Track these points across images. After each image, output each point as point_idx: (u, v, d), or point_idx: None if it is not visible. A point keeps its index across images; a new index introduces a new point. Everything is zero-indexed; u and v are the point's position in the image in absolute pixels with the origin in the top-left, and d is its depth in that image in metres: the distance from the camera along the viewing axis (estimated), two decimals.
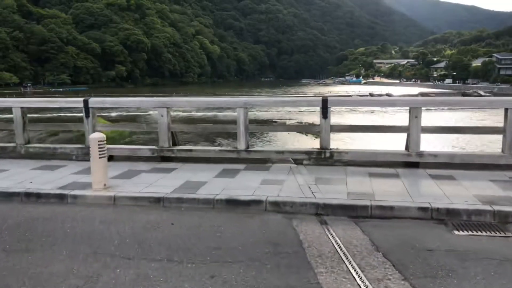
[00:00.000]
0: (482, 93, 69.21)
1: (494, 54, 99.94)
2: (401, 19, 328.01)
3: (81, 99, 7.63)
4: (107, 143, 5.98)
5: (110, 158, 7.63)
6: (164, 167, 7.15)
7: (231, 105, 7.59)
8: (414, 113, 6.64)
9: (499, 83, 77.49)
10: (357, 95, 70.24)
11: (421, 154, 6.70)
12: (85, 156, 7.60)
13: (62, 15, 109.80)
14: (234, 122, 7.31)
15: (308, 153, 7.05)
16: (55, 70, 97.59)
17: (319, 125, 7.00)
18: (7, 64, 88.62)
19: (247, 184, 5.93)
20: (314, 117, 31.94)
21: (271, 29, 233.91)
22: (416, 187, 5.73)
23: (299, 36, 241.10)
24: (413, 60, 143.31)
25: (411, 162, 6.79)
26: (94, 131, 7.66)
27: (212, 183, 6.05)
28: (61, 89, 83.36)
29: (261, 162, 7.38)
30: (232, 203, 5.28)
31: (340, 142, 11.80)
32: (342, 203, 5.06)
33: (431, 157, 6.69)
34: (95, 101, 7.67)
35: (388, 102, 6.96)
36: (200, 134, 15.58)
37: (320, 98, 6.83)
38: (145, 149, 7.64)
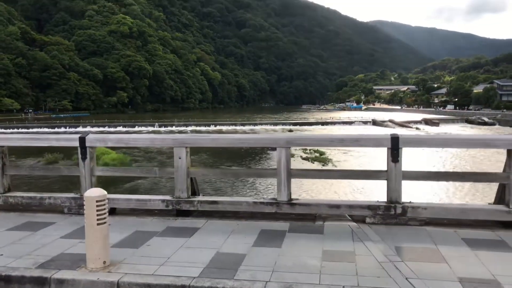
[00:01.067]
0: (486, 119, 68.24)
1: (495, 81, 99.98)
2: (399, 46, 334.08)
3: (77, 136, 6.02)
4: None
5: (112, 211, 5.95)
6: (182, 227, 5.45)
7: (269, 144, 5.98)
8: None
9: (504, 110, 76.70)
10: (360, 121, 69.41)
11: None
12: (79, 208, 5.94)
13: (65, 42, 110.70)
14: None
15: (372, 207, 5.37)
16: (57, 96, 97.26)
17: (386, 171, 5.37)
18: (8, 91, 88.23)
19: (303, 261, 4.22)
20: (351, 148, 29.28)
21: (271, 56, 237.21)
22: None
23: (299, 63, 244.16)
24: (413, 86, 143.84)
25: None
26: (91, 176, 6.04)
27: (254, 257, 4.34)
28: (62, 115, 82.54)
29: (307, 218, 5.69)
30: None
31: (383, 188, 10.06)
32: None
33: None
34: (94, 139, 6.04)
35: (481, 142, 5.34)
36: (207, 160, 13.92)
37: (389, 136, 5.23)
38: (156, 201, 5.96)
